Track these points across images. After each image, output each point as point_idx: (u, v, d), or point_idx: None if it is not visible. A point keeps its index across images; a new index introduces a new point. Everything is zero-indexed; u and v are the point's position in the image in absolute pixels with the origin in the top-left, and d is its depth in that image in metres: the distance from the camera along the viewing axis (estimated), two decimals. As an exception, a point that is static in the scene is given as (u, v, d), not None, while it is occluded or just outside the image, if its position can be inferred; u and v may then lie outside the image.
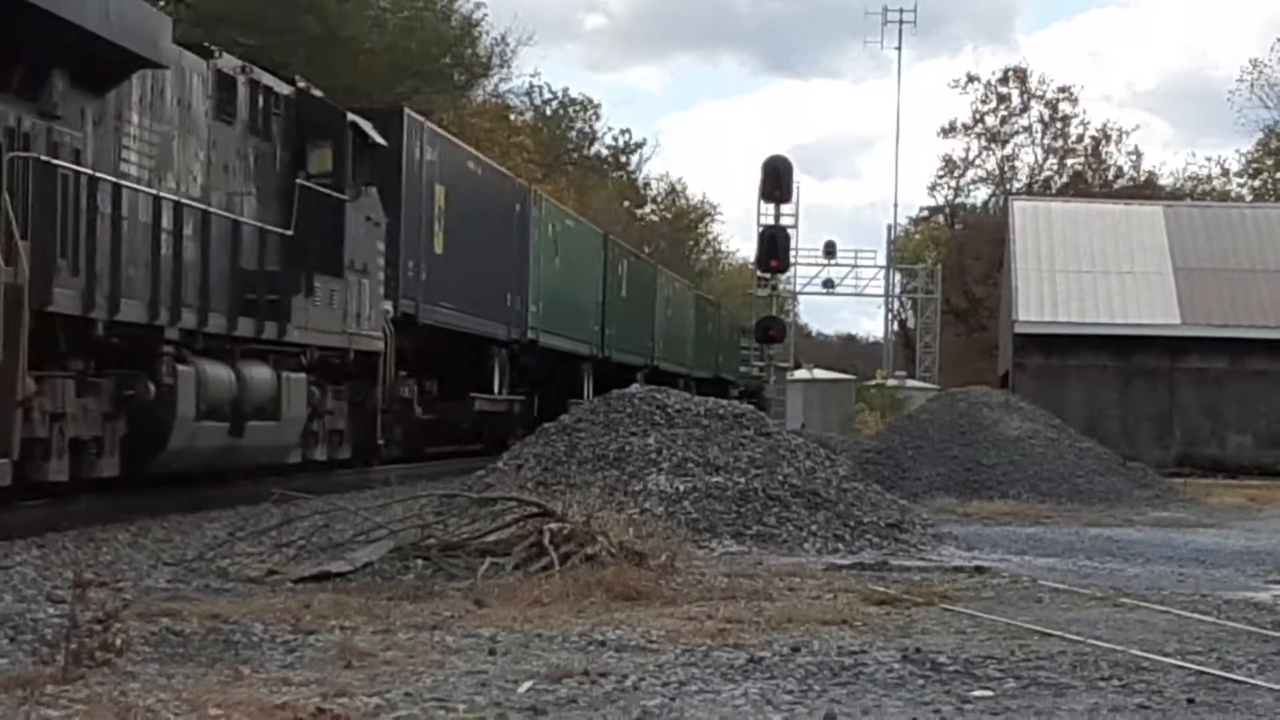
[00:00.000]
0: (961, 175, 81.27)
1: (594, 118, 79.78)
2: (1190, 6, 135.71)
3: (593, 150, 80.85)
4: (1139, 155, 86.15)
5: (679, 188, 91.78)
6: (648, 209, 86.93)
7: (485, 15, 52.66)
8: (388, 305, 22.83)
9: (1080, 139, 79.70)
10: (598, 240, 39.79)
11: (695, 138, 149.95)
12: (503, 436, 28.89)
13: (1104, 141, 79.55)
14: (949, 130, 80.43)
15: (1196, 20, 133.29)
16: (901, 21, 67.66)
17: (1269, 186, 70.74)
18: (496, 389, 29.49)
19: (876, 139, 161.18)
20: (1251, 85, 71.94)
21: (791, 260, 50.81)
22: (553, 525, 12.23)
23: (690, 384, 43.82)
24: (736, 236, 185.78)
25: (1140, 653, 8.95)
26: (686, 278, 60.89)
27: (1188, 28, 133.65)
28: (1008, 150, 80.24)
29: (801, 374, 56.89)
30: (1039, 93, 79.59)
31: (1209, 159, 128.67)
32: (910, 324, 74.36)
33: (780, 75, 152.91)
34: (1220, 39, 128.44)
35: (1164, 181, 77.11)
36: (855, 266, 64.77)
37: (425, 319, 25.19)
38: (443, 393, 27.02)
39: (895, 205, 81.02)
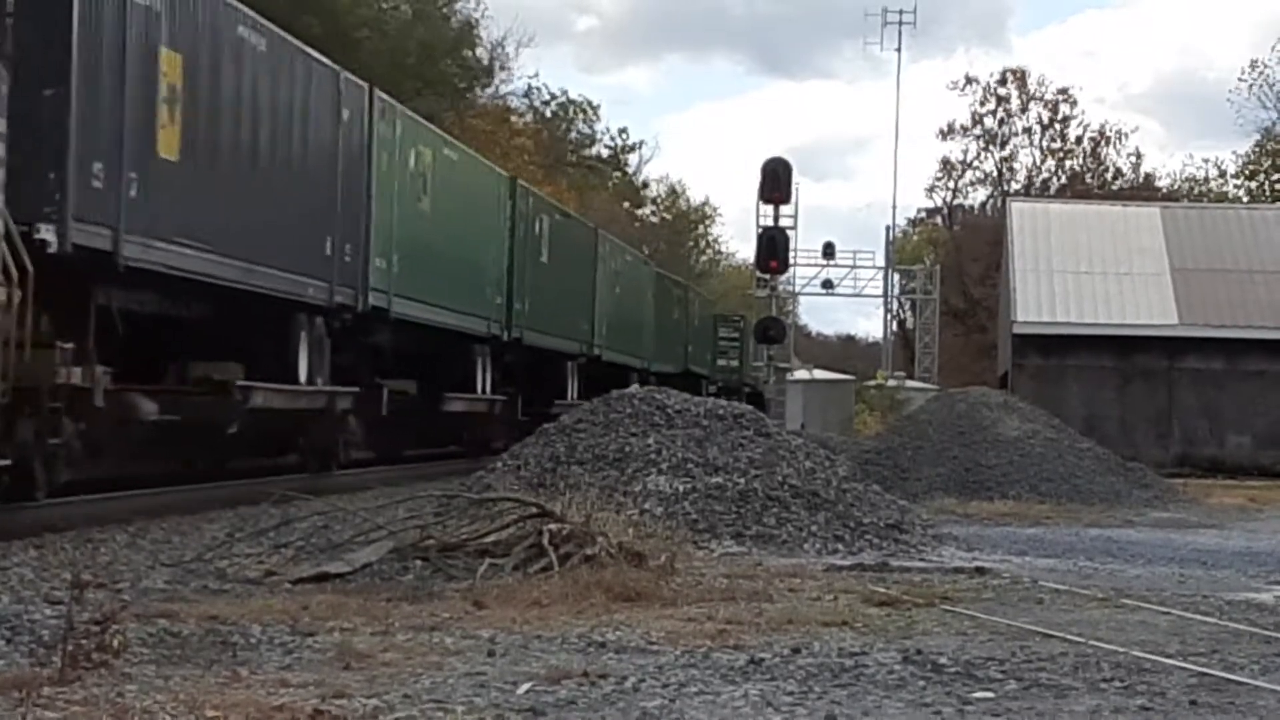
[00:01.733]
0: (960, 177, 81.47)
1: (594, 119, 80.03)
2: (1184, 9, 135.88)
3: (592, 151, 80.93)
4: (1139, 157, 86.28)
5: (679, 189, 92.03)
6: (647, 210, 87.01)
7: (485, 11, 52.70)
8: (47, 234, 13.95)
9: (1079, 140, 79.93)
10: (501, 184, 29.99)
11: (690, 139, 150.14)
12: (323, 444, 22.21)
13: (1102, 143, 79.77)
14: (948, 132, 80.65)
15: (1190, 23, 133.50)
16: (901, 23, 67.77)
17: (1265, 188, 70.77)
18: (305, 376, 20.40)
19: (871, 140, 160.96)
20: (1251, 86, 72.12)
21: (791, 261, 50.85)
22: (552, 526, 12.21)
23: (648, 379, 37.59)
24: (735, 238, 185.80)
25: (1142, 654, 8.93)
26: (687, 278, 60.34)
27: (1181, 30, 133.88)
28: (1006, 152, 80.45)
29: (801, 374, 56.76)
30: (1038, 94, 79.82)
31: (1205, 160, 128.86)
32: (909, 325, 74.44)
33: (773, 76, 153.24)
34: (1214, 41, 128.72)
35: (1161, 183, 77.33)
36: (854, 267, 65.01)
37: (135, 260, 15.62)
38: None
39: (894, 206, 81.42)
